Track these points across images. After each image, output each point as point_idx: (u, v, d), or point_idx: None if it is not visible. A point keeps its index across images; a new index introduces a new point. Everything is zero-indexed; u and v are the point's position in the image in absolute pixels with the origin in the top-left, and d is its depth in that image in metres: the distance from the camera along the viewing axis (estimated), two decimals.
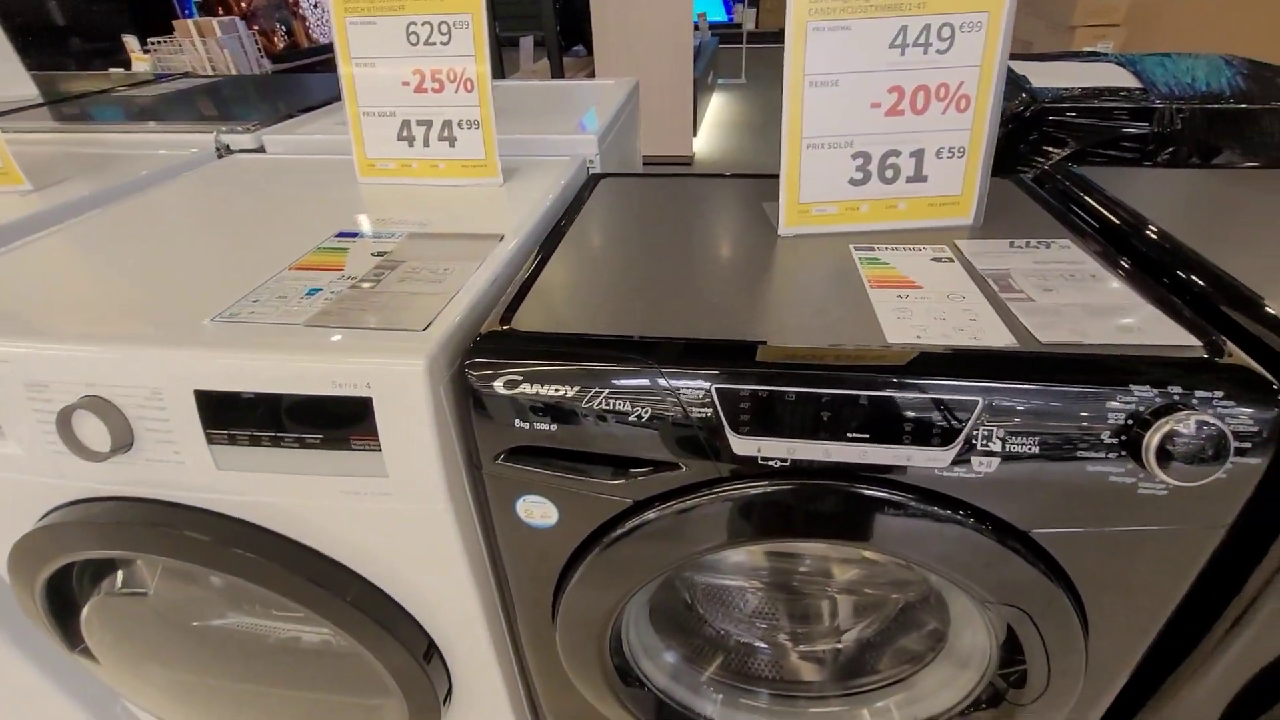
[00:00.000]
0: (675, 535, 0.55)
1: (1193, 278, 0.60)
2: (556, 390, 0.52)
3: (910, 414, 0.48)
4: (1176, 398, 0.45)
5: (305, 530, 0.62)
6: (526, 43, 4.06)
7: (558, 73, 4.09)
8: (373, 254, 0.70)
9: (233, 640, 0.85)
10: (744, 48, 5.93)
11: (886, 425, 0.48)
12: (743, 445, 0.51)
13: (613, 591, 0.60)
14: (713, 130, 4.58)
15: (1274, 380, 0.46)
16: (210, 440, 0.56)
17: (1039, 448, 0.47)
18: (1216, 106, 1.13)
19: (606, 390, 0.51)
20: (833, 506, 0.51)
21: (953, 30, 0.65)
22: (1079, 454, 0.47)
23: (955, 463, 0.48)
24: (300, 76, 1.78)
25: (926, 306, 0.56)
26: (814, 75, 0.66)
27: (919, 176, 0.70)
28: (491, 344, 0.54)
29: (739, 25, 6.83)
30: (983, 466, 0.48)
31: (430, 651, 0.70)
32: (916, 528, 0.51)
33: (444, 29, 0.83)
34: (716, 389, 0.50)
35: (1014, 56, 1.58)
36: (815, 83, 0.67)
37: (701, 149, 4.15)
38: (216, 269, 0.67)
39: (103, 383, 0.55)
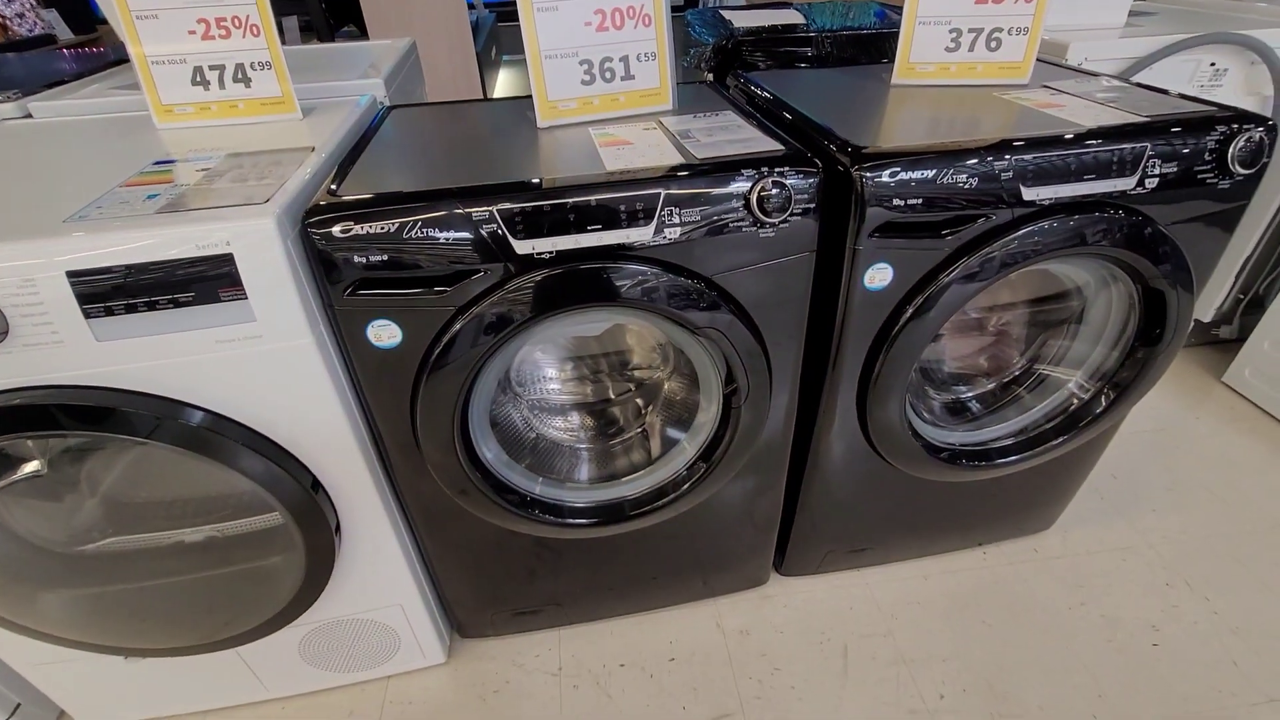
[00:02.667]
0: (490, 323, 0.78)
1: (794, 119, 0.96)
2: (381, 228, 0.72)
3: (623, 209, 0.75)
4: (765, 174, 0.77)
5: (187, 389, 0.76)
6: (290, 24, 3.87)
7: None
8: (197, 170, 0.83)
9: (124, 554, 0.93)
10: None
11: (610, 217, 0.76)
12: (521, 247, 0.75)
13: (455, 382, 0.82)
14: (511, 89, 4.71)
15: (818, 164, 0.80)
16: (87, 315, 0.68)
17: (700, 217, 0.77)
18: (850, 34, 1.58)
19: (420, 221, 0.72)
20: (589, 279, 0.78)
21: None
22: (722, 218, 0.78)
23: (655, 234, 0.77)
24: (29, 55, 1.66)
25: (635, 151, 0.85)
26: (539, 4, 0.91)
27: (629, 75, 0.99)
28: (325, 204, 0.73)
29: (512, 2, 6.95)
30: (670, 234, 0.77)
31: (316, 484, 0.87)
32: (645, 284, 0.79)
33: None
34: (498, 210, 0.73)
35: (724, 8, 1.97)
36: (540, 8, 0.91)
37: None
38: (46, 198, 0.76)
39: None
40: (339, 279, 0.74)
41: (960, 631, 1.22)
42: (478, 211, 0.73)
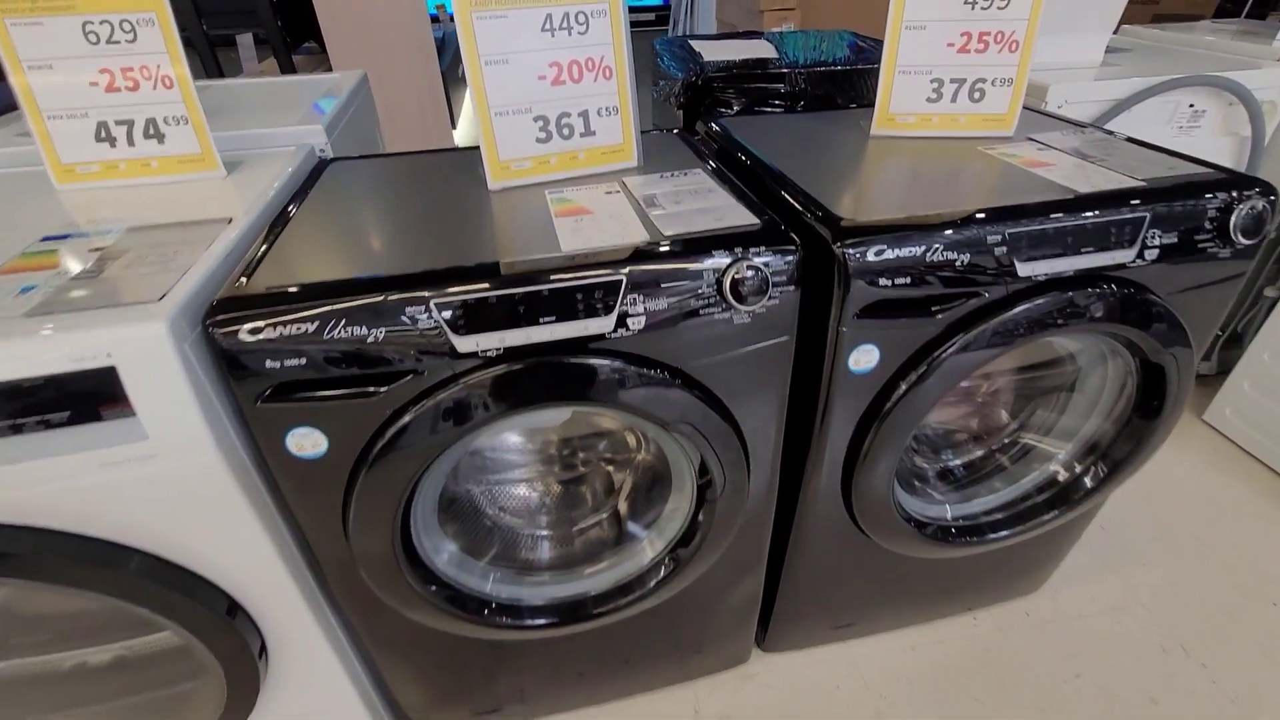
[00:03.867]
0: (430, 427, 0.68)
1: (769, 181, 0.88)
2: (299, 328, 0.62)
3: (580, 299, 0.67)
4: (740, 256, 0.69)
5: (68, 516, 0.65)
6: (245, 40, 3.72)
7: (288, 70, 3.81)
8: (90, 250, 0.72)
9: (21, 681, 0.81)
10: None
11: (565, 308, 0.67)
12: (464, 343, 0.66)
13: (391, 494, 0.72)
14: (472, 122, 4.61)
15: (797, 241, 0.72)
16: None
17: (667, 304, 0.69)
18: (824, 70, 1.52)
19: (345, 318, 0.63)
20: (542, 377, 0.69)
21: (587, 16, 0.85)
22: (692, 304, 0.69)
23: (616, 327, 0.68)
24: None
25: (594, 223, 0.76)
26: (487, 55, 0.82)
27: (589, 131, 0.90)
28: (232, 300, 0.62)
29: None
30: (634, 325, 0.69)
31: (234, 608, 0.76)
32: (606, 380, 0.70)
33: (126, 27, 0.84)
34: (435, 302, 0.64)
35: (694, 37, 1.90)
36: (490, 61, 0.82)
37: (463, 140, 4.17)
38: None
39: None
40: (251, 385, 0.64)
41: (953, 711, 1.14)
42: (413, 306, 0.64)
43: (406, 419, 0.67)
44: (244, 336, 0.61)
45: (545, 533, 0.98)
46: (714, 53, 1.64)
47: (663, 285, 0.68)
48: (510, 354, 0.67)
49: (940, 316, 0.78)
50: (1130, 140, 0.98)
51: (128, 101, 0.87)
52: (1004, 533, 1.04)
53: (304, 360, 0.63)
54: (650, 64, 1.79)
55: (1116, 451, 0.99)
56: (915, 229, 0.74)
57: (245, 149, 1.06)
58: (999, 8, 0.95)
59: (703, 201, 0.81)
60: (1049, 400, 1.05)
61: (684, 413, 0.74)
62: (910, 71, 1.00)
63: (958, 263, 0.75)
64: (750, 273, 0.68)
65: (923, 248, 0.74)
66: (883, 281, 0.74)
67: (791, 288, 0.72)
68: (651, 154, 0.99)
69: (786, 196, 0.84)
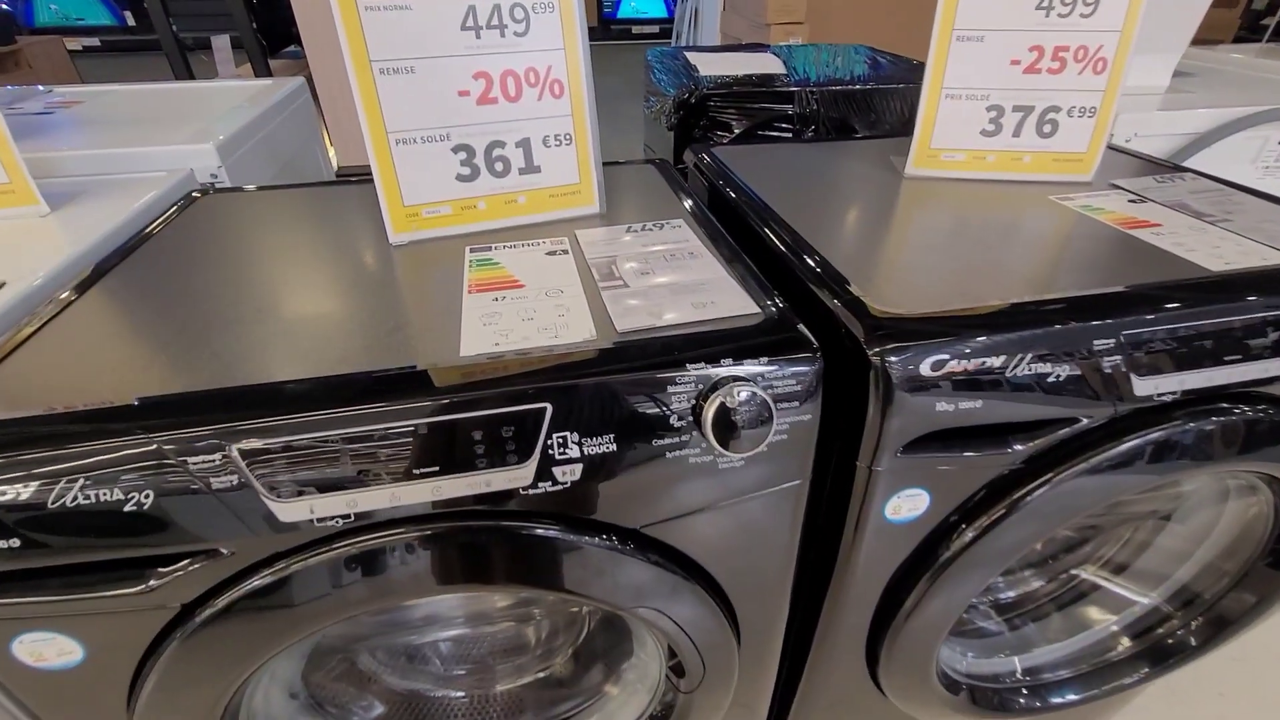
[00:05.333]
0: (239, 634, 0.44)
1: (774, 240, 0.64)
2: (12, 494, 0.38)
3: (478, 434, 0.43)
4: (726, 372, 0.45)
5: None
6: (221, 42, 3.50)
7: (263, 75, 3.60)
8: None
9: None
10: None
11: (454, 452, 0.43)
12: (289, 511, 0.41)
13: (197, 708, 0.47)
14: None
15: (814, 342, 0.48)
16: None
17: (616, 444, 0.45)
18: (842, 89, 1.29)
19: (87, 477, 0.38)
20: (413, 555, 0.44)
21: (526, 12, 0.61)
22: (655, 441, 0.45)
23: (539, 478, 0.44)
24: None
25: (520, 307, 0.52)
26: (381, 62, 0.58)
27: (531, 167, 0.67)
28: None
29: None
30: (567, 475, 0.45)
31: None
32: (521, 556, 0.46)
33: None
34: (239, 449, 0.40)
35: (692, 49, 1.68)
36: (386, 70, 0.59)
37: None
38: None
39: None
40: None
41: None
42: (199, 458, 0.39)
43: (198, 623, 0.43)
44: None
45: (460, 695, 0.73)
46: (713, 66, 1.42)
47: (610, 417, 0.44)
48: (366, 527, 0.43)
49: (1021, 449, 0.54)
50: (1252, 192, 0.75)
51: None
52: (1073, 696, 0.79)
53: (17, 542, 0.39)
54: (643, 79, 1.57)
55: (1230, 606, 0.74)
56: (985, 323, 0.50)
57: (105, 173, 0.83)
58: (1082, 14, 0.72)
59: (682, 272, 0.57)
60: (1128, 529, 0.81)
61: (646, 592, 0.50)
62: (960, 95, 0.77)
63: (1052, 377, 0.51)
64: (745, 395, 0.44)
65: (1004, 356, 0.50)
66: (942, 406, 0.50)
67: (806, 414, 0.48)
68: (622, 194, 0.75)
69: (796, 260, 0.60)
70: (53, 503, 0.38)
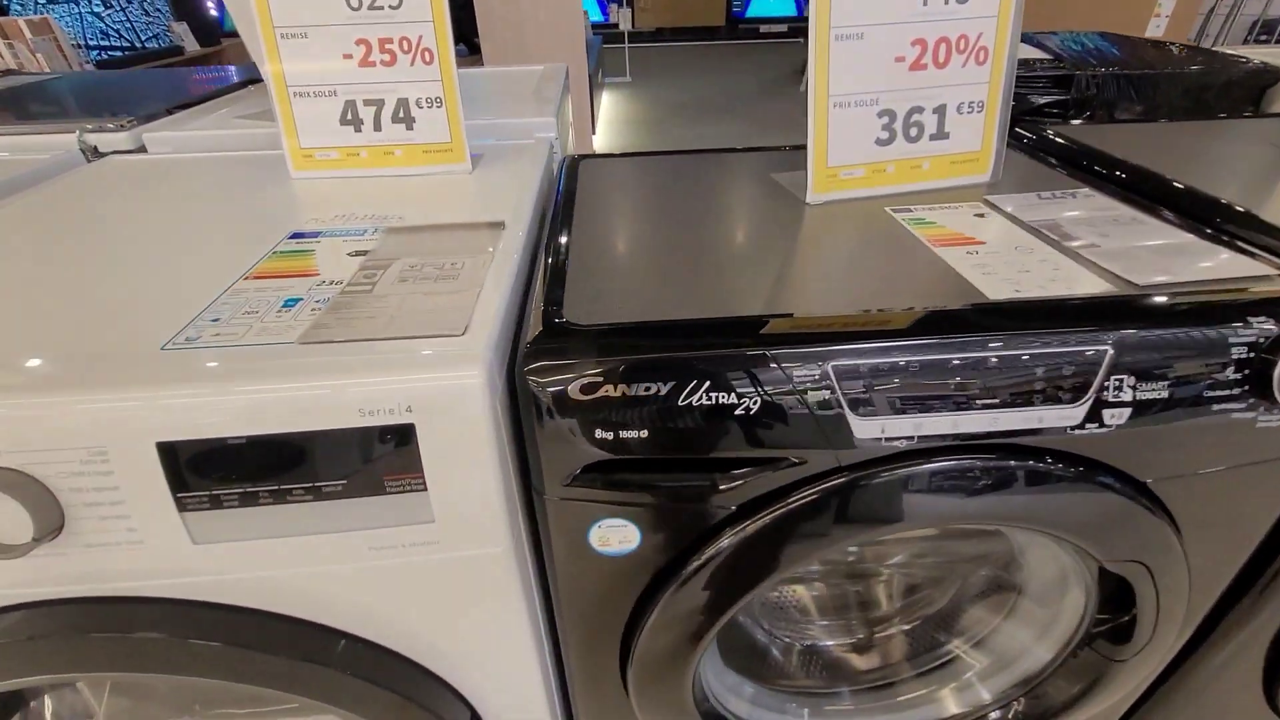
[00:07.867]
0: (782, 542, 0.48)
1: (1218, 217, 0.62)
2: (647, 388, 0.43)
3: (1040, 371, 0.44)
4: None
5: (311, 604, 0.49)
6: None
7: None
8: (350, 254, 0.57)
9: None
10: (626, 46, 5.98)
11: (1015, 387, 0.45)
12: (864, 428, 0.45)
13: (706, 618, 0.52)
14: (609, 128, 4.54)
15: None
16: (183, 507, 0.42)
17: (1168, 393, 0.45)
18: (1126, 72, 1.23)
19: (708, 383, 0.43)
20: (965, 484, 0.47)
21: None
22: (1204, 394, 0.45)
23: (1088, 418, 0.45)
24: (153, 72, 1.53)
25: (1003, 260, 0.53)
26: (840, 28, 0.62)
27: (941, 134, 0.68)
28: (551, 343, 0.45)
29: (615, 25, 6.88)
30: (1114, 419, 0.46)
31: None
32: (1046, 497, 0.48)
33: None
34: (833, 367, 0.44)
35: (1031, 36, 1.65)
36: (841, 35, 0.62)
37: (602, 147, 4.09)
38: (143, 289, 0.51)
39: (14, 448, 0.39)
40: (562, 460, 0.46)
41: None
42: (806, 364, 0.43)
43: (757, 522, 0.47)
44: (575, 393, 0.43)
45: (844, 641, 0.76)
46: None
47: (1163, 363, 0.45)
48: (922, 448, 0.46)
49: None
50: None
51: (381, 78, 0.74)
52: None
53: (643, 433, 0.45)
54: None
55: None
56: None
57: (478, 140, 0.92)
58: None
59: (1143, 236, 0.57)
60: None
61: (1141, 548, 0.50)
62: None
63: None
64: None
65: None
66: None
67: None
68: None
69: (1245, 234, 0.58)
70: (681, 401, 0.44)
